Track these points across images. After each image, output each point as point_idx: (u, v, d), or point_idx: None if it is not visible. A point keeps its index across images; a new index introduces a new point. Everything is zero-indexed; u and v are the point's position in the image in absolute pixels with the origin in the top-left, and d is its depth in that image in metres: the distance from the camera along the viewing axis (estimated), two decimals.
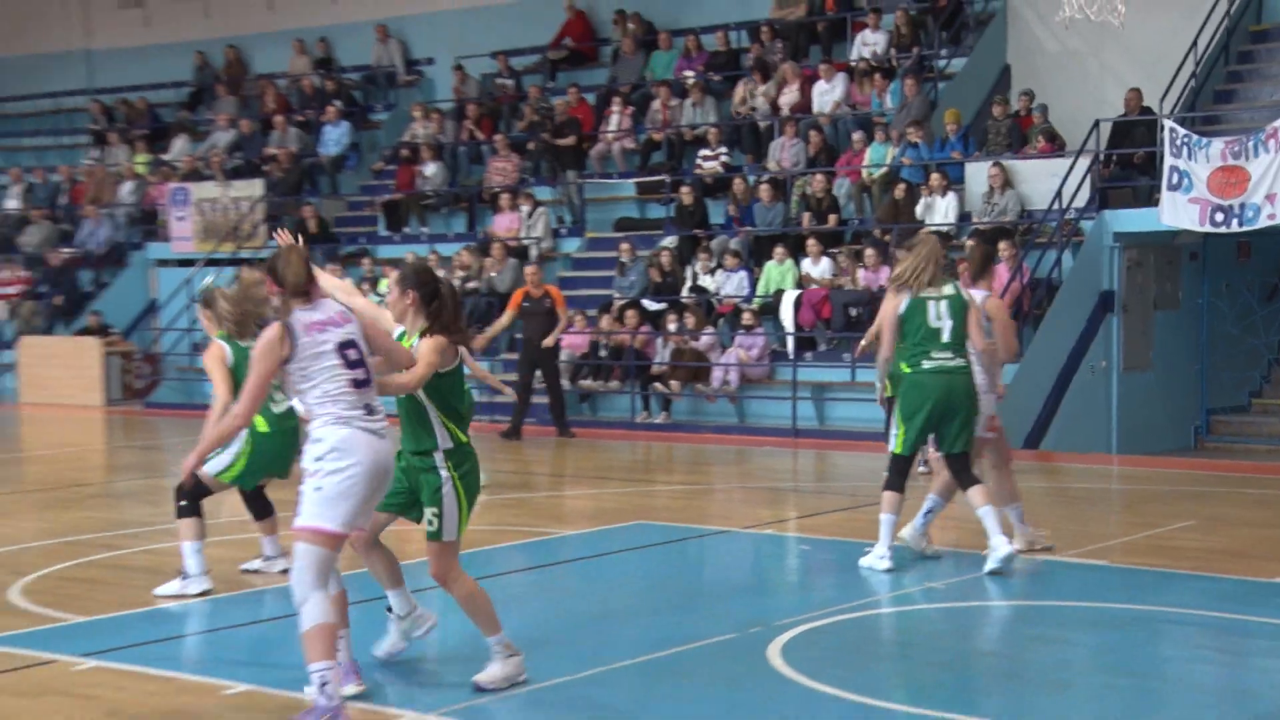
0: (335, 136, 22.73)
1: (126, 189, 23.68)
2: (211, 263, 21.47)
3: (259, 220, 21.75)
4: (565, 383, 17.39)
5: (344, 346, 5.56)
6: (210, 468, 7.68)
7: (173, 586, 7.75)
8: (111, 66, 27.32)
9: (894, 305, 8.23)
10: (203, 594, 7.72)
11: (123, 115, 25.96)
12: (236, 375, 7.38)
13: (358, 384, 5.56)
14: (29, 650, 6.67)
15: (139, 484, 13.17)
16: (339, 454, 5.46)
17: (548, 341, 15.55)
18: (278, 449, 7.87)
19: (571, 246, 19.96)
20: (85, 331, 21.42)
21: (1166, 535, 9.65)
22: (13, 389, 21.24)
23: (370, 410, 5.59)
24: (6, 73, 28.56)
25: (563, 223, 20.23)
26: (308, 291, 5.57)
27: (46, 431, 18.09)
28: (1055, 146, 16.94)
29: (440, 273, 6.51)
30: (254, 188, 21.90)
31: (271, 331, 5.51)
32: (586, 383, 17.37)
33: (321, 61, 24.75)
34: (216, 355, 7.60)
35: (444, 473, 5.87)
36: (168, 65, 26.30)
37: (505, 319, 15.63)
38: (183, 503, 7.79)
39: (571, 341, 17.67)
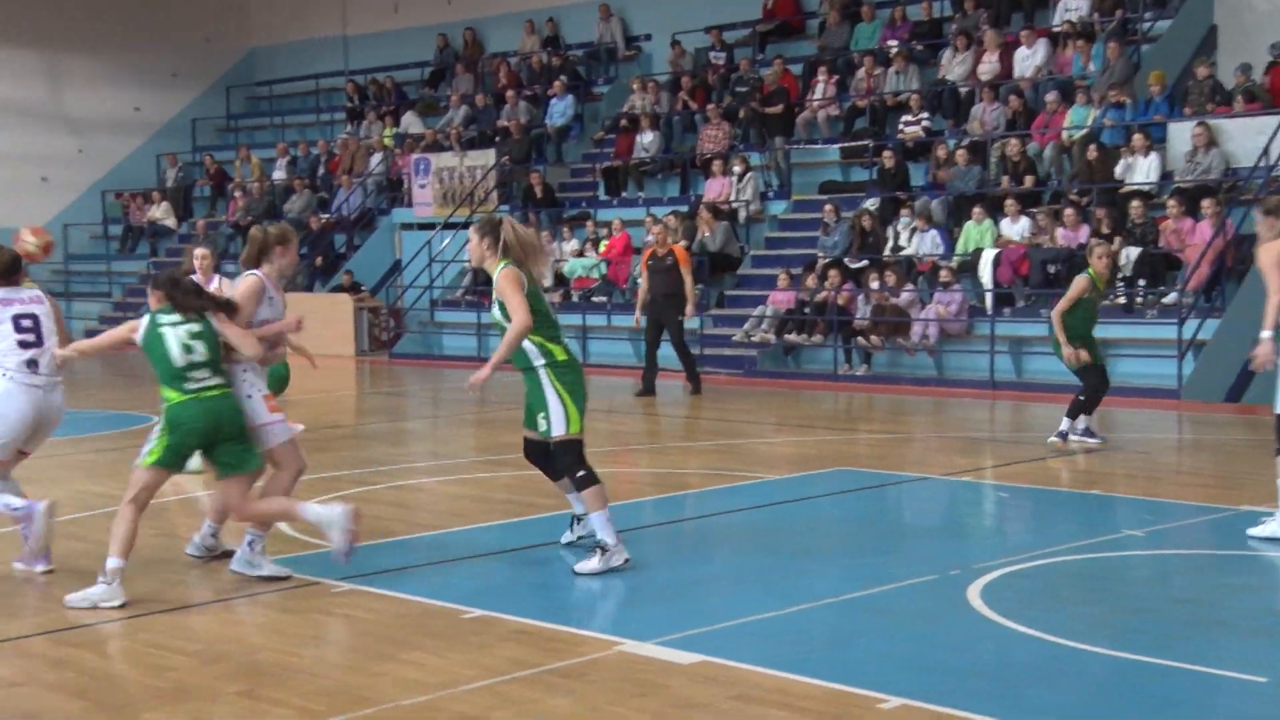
0: (561, 109, 22.97)
1: (375, 160, 24.43)
2: (449, 226, 21.98)
3: (491, 187, 22.16)
4: (771, 336, 17.26)
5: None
6: (557, 429, 6.82)
7: (592, 565, 6.83)
8: (365, 50, 28.19)
9: (1275, 253, 7.59)
10: (624, 564, 6.84)
11: (373, 93, 26.75)
12: None
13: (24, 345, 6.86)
14: (296, 573, 6.90)
15: (386, 427, 13.58)
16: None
17: (688, 313, 15.09)
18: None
19: (778, 209, 19.77)
20: (339, 289, 22.21)
21: None
22: None
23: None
24: (275, 58, 29.80)
25: (770, 187, 20.03)
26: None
27: (305, 379, 18.75)
28: (1260, 106, 15.96)
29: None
30: (487, 157, 22.31)
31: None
32: (791, 337, 17.19)
33: (549, 40, 25.01)
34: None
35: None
36: (413, 47, 27.03)
37: (643, 282, 15.33)
38: (581, 473, 6.83)
39: (776, 298, 17.52)
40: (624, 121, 21.94)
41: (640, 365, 15.79)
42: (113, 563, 6.31)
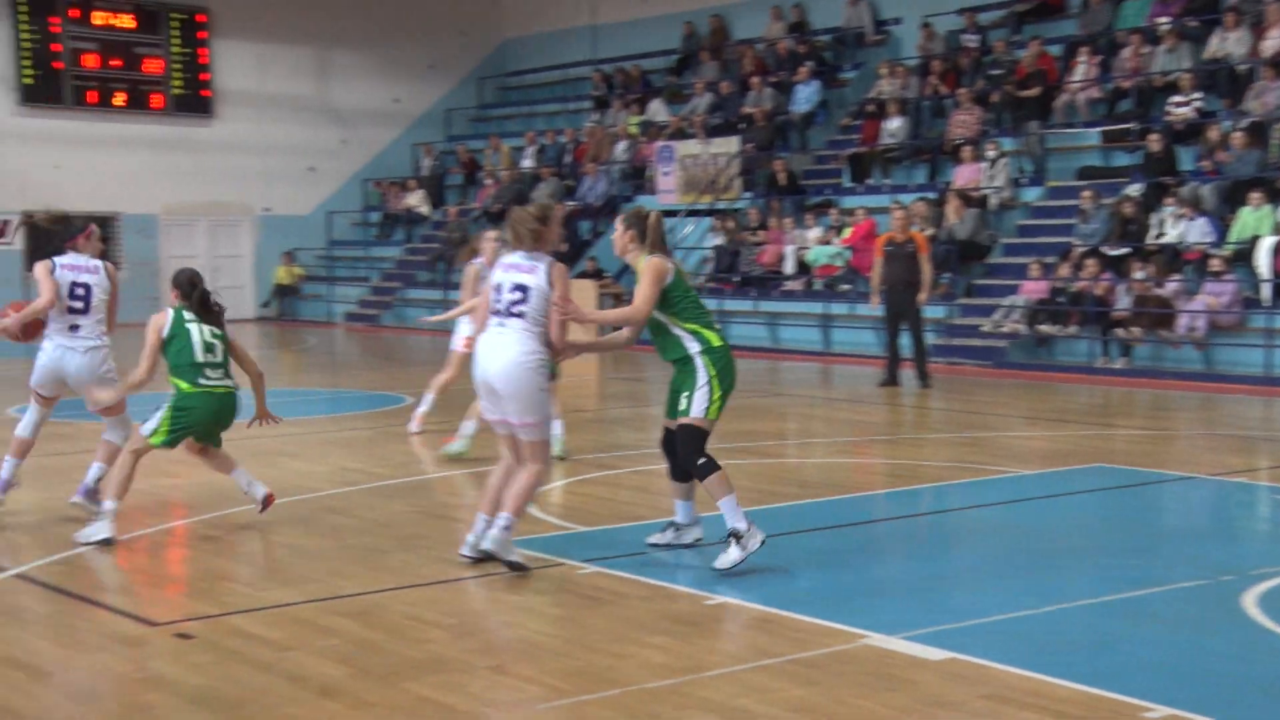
0: (806, 95, 22.80)
1: (620, 148, 24.80)
2: (692, 213, 22.12)
3: (734, 174, 22.18)
4: (1021, 327, 16.73)
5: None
6: (696, 410, 6.71)
7: (732, 556, 6.62)
8: (612, 39, 28.66)
9: None
10: (760, 544, 6.63)
11: (619, 82, 27.16)
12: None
13: (71, 311, 7.68)
14: (543, 553, 7.05)
15: (627, 411, 13.77)
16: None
17: (921, 300, 14.67)
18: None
19: (1031, 195, 19.11)
20: (583, 275, 22.64)
21: None
22: None
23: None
24: (525, 49, 30.62)
25: (1023, 173, 19.39)
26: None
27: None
28: None
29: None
30: (731, 144, 22.34)
31: None
32: (1044, 327, 16.61)
33: (795, 26, 24.86)
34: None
35: None
36: (659, 35, 27.31)
37: (876, 268, 14.92)
38: (701, 460, 6.69)
39: (1027, 287, 16.97)
40: (871, 107, 21.61)
41: (883, 355, 15.54)
42: (109, 505, 7.33)
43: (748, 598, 6.17)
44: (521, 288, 6.62)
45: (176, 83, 27.08)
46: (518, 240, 6.73)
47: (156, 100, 26.89)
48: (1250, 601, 6.03)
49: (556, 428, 9.90)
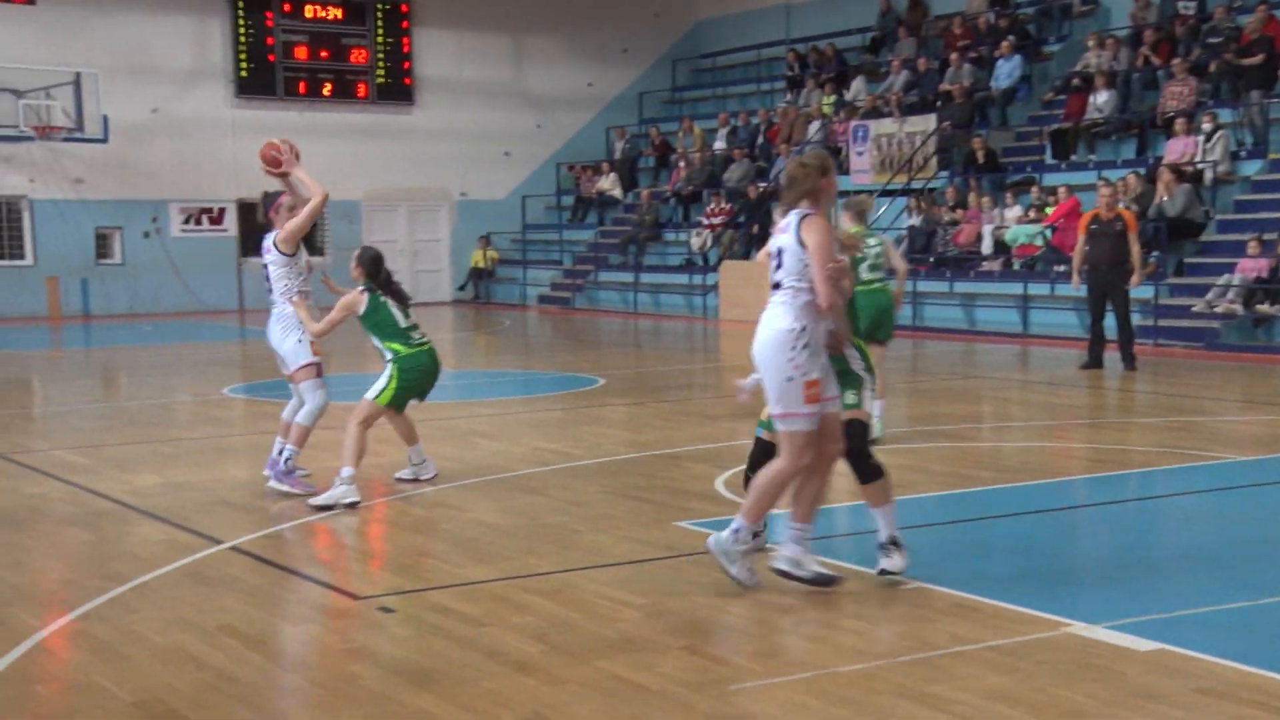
0: (1007, 70, 22.18)
1: (814, 128, 24.55)
2: (886, 193, 21.76)
3: (931, 152, 21.72)
4: (1238, 307, 15.96)
5: None
6: (866, 403, 6.30)
7: (898, 562, 6.15)
8: (806, 18, 28.39)
9: None
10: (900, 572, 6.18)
11: (813, 61, 26.89)
12: None
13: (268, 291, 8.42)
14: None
15: None
16: None
17: (1134, 282, 13.98)
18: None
19: (1251, 169, 18.19)
20: None
21: None
22: (714, 307, 22.84)
23: None
24: (719, 30, 30.60)
25: (1242, 145, 18.45)
26: None
27: (740, 345, 19.23)
28: None
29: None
30: (928, 122, 21.89)
31: None
32: (1262, 307, 15.81)
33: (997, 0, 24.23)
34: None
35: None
36: (855, 13, 26.96)
37: (1079, 247, 14.22)
38: (874, 461, 6.17)
39: (1245, 265, 16.17)
40: (1076, 81, 20.88)
41: (1085, 336, 15.02)
42: (347, 471, 7.86)
43: (943, 583, 6.06)
44: (778, 252, 5.80)
45: (380, 72, 27.97)
46: (785, 196, 5.89)
47: (361, 89, 27.84)
48: None
49: (875, 406, 9.15)
